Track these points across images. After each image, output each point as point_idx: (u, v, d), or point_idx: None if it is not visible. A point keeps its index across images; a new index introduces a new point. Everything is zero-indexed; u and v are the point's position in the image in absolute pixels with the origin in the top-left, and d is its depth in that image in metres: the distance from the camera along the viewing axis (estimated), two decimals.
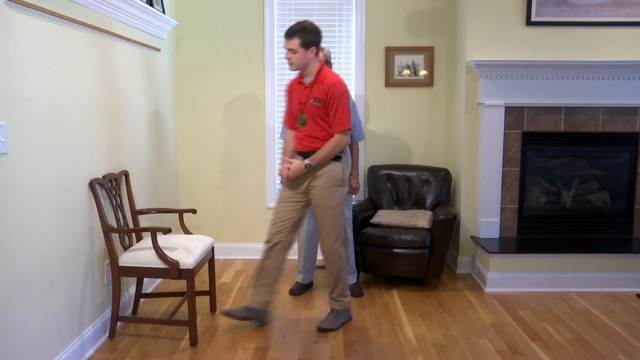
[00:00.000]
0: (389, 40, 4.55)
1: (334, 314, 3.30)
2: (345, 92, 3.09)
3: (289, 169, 3.12)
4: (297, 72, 3.16)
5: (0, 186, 2.16)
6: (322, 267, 4.41)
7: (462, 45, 4.23)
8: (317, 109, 3.07)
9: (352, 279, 3.84)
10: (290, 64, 3.06)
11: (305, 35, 3.00)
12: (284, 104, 3.45)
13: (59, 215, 2.60)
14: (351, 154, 3.77)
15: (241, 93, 4.59)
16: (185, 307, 3.30)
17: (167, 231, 3.05)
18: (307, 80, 3.12)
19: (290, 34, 3.02)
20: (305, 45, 3.01)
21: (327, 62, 3.67)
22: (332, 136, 3.09)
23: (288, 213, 3.20)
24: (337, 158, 3.14)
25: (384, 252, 3.90)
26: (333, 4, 4.55)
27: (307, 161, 3.07)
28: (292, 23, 4.46)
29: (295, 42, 3.00)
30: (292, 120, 3.25)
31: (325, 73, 3.09)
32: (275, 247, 3.20)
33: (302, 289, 3.91)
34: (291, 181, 3.19)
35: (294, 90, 3.21)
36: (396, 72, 4.57)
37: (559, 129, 4.20)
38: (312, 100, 3.07)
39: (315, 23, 3.08)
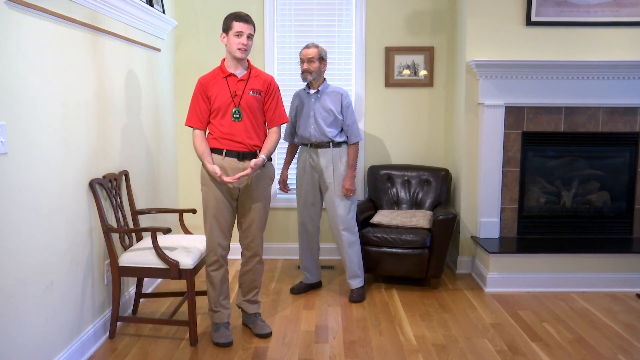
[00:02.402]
0: (389, 40, 4.55)
1: (255, 317, 3.26)
2: (279, 87, 3.14)
3: (237, 178, 2.91)
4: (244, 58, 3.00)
5: (0, 186, 2.16)
6: (328, 267, 4.42)
7: (462, 45, 4.23)
8: (257, 101, 3.00)
9: (357, 284, 3.82)
10: (245, 50, 2.94)
11: (255, 25, 3.01)
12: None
13: (59, 216, 2.60)
14: (348, 155, 3.77)
15: None
16: (185, 307, 3.30)
17: (167, 231, 3.05)
18: (240, 73, 3.01)
19: (251, 20, 2.96)
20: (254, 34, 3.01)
21: (323, 60, 3.68)
22: (265, 133, 3.08)
23: (231, 222, 3.10)
24: (270, 158, 3.10)
25: (384, 252, 3.90)
26: (333, 4, 4.55)
27: (264, 156, 2.96)
28: (293, 23, 4.55)
29: (253, 29, 2.97)
30: (205, 118, 3.01)
31: (256, 68, 3.08)
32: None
33: (302, 289, 3.91)
34: (226, 189, 3.00)
35: (215, 84, 2.99)
36: (396, 72, 4.57)
37: (559, 129, 4.20)
38: (251, 92, 2.98)
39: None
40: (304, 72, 3.67)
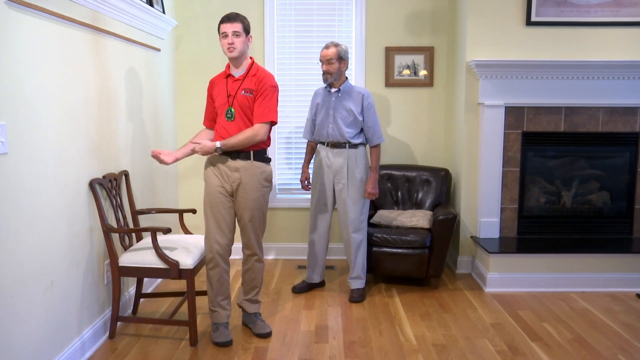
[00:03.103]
0: (389, 40, 4.55)
1: (258, 317, 3.26)
2: (276, 87, 3.05)
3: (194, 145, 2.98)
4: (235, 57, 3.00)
5: (0, 186, 2.16)
6: (328, 267, 4.41)
7: (462, 45, 4.23)
8: (248, 101, 2.99)
9: (358, 285, 3.80)
10: (234, 48, 2.95)
11: (245, 20, 3.00)
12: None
13: (59, 216, 2.60)
14: (370, 157, 3.75)
15: None
16: (185, 307, 3.30)
17: (167, 231, 3.05)
18: (238, 73, 3.04)
19: (235, 18, 2.95)
20: (246, 30, 2.99)
21: (342, 59, 3.64)
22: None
23: (229, 219, 3.08)
24: (266, 160, 3.08)
25: (384, 252, 3.91)
26: (333, 4, 4.55)
27: (218, 144, 2.92)
28: (293, 23, 4.56)
29: (239, 26, 2.95)
30: (212, 117, 3.15)
31: (257, 67, 3.07)
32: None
33: (304, 288, 3.91)
34: (221, 185, 3.03)
35: (217, 85, 3.10)
36: (396, 72, 4.57)
37: (559, 129, 4.20)
38: (243, 92, 2.99)
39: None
40: (325, 74, 3.64)
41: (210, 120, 3.18)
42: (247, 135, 2.95)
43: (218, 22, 3.01)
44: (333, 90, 3.70)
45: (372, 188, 3.70)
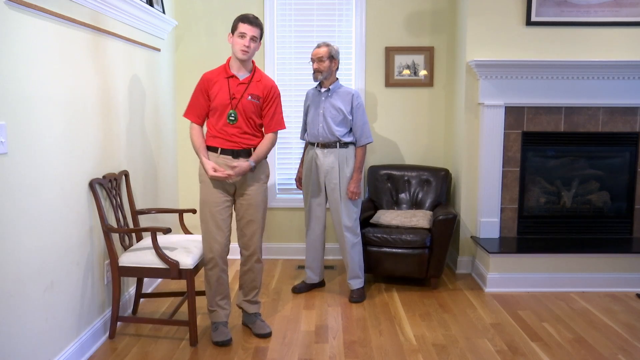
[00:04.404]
0: (389, 40, 4.55)
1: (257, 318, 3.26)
2: (280, 94, 3.14)
3: (229, 174, 2.95)
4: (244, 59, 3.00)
5: (0, 186, 2.16)
6: (329, 267, 4.41)
7: (462, 45, 4.23)
8: (254, 106, 3.01)
9: (357, 284, 3.81)
10: (247, 52, 2.95)
11: (263, 27, 3.03)
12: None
13: (59, 216, 2.60)
14: (355, 157, 3.76)
15: None
16: (185, 307, 3.30)
17: (167, 231, 3.05)
18: (242, 76, 3.03)
19: (257, 23, 2.97)
20: (261, 37, 3.03)
21: (333, 58, 3.68)
22: (261, 134, 3.09)
23: (228, 219, 3.10)
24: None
25: (384, 252, 3.91)
26: (333, 4, 4.55)
27: (251, 162, 2.99)
28: (293, 23, 4.56)
29: (258, 32, 2.98)
30: (201, 113, 3.04)
31: (260, 72, 3.09)
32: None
33: (303, 288, 3.92)
34: (223, 184, 3.04)
35: (216, 83, 3.02)
36: (396, 72, 4.57)
37: (559, 129, 4.20)
38: (249, 97, 3.00)
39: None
40: (315, 72, 3.68)
41: (198, 117, 3.05)
42: (269, 146, 3.09)
43: (236, 19, 2.98)
44: (323, 89, 3.73)
45: (354, 187, 3.68)
